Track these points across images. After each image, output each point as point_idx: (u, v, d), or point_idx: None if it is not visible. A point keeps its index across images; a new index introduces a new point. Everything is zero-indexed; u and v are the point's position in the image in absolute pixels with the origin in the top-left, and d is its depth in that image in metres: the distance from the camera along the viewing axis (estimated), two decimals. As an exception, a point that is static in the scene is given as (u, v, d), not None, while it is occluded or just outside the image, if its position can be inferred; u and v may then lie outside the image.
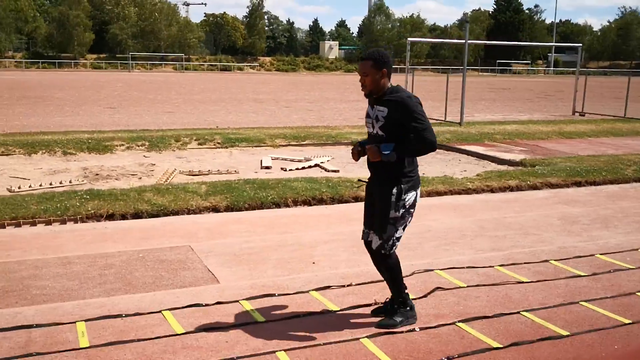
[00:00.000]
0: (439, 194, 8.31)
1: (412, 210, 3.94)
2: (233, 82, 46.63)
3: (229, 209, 7.29)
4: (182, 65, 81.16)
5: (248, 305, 4.37)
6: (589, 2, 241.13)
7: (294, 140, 12.96)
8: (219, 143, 12.24)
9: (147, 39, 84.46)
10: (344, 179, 8.55)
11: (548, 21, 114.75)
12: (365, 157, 3.97)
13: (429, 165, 10.69)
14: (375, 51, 3.91)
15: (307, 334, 3.92)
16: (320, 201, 7.70)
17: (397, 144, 3.76)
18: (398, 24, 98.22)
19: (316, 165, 10.44)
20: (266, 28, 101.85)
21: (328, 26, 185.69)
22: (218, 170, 9.80)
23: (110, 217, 6.85)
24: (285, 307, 4.36)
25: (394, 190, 3.83)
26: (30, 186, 8.28)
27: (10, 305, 4.36)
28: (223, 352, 3.67)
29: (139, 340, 3.80)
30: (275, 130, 14.16)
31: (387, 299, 4.21)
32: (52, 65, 77.22)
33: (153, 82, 42.12)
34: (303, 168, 10.17)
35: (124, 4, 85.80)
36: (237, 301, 4.45)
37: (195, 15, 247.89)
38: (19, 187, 8.18)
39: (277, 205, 7.49)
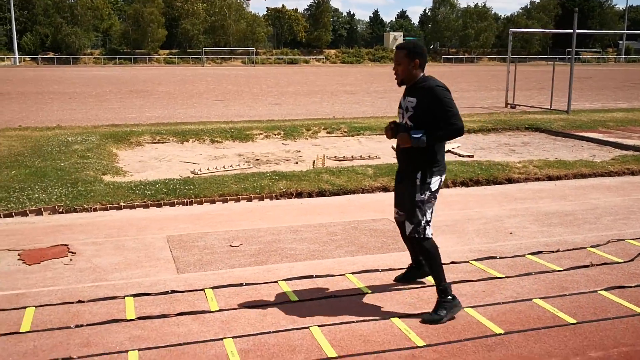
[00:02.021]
0: (583, 176, 8.83)
1: (437, 194, 4.08)
2: (309, 75, 47.63)
3: (397, 189, 8.04)
4: (250, 59, 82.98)
5: (479, 265, 5.09)
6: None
7: (412, 128, 13.61)
8: (345, 131, 13.05)
9: (217, 34, 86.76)
10: (492, 162, 9.19)
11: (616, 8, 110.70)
12: (396, 143, 4.15)
13: (555, 151, 11.17)
14: (410, 42, 4.20)
15: (543, 288, 4.61)
16: (477, 182, 8.36)
17: (426, 130, 3.92)
18: (461, 13, 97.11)
19: (448, 151, 11.07)
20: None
21: (388, 17, 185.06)
22: (360, 155, 10.58)
23: (299, 195, 7.73)
24: (511, 267, 5.05)
25: (419, 175, 4.00)
26: (208, 169, 9.29)
27: (278, 261, 5.24)
28: (486, 298, 4.40)
29: (410, 288, 4.59)
30: (391, 119, 14.85)
31: (410, 265, 4.64)
32: (127, 61, 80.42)
33: (237, 76, 43.68)
34: (438, 154, 10.82)
35: (193, 1, 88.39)
36: (468, 261, 5.18)
37: (255, 9, 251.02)
38: (200, 170, 9.19)
39: (439, 186, 8.19)
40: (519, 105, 18.81)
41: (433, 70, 56.41)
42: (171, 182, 7.79)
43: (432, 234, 4.11)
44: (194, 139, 12.01)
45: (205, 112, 17.77)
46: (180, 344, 3.70)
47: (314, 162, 10.04)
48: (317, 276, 4.84)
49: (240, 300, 4.38)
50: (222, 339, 3.77)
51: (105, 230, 6.11)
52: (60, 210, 6.89)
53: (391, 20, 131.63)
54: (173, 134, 12.13)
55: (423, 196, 4.01)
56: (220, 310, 4.21)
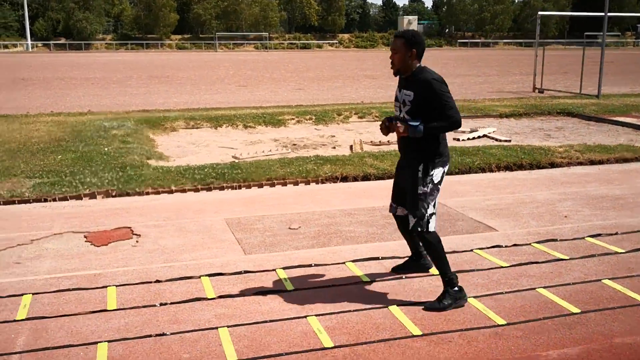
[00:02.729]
0: (626, 160, 8.83)
1: (439, 186, 4.02)
2: (325, 59, 47.44)
3: (440, 173, 8.09)
4: (263, 44, 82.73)
5: (541, 247, 5.15)
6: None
7: (443, 113, 13.60)
8: (376, 116, 13.06)
9: (229, 19, 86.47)
10: (534, 146, 9.21)
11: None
12: (396, 135, 4.04)
13: (591, 136, 11.14)
14: (408, 31, 4.06)
15: (609, 269, 4.66)
16: (520, 167, 8.38)
17: (424, 120, 3.86)
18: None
19: (484, 135, 11.08)
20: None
21: (401, 1, 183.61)
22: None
23: (344, 179, 7.80)
24: (572, 249, 5.10)
25: (421, 167, 3.94)
26: (248, 154, 9.37)
27: (340, 243, 5.32)
28: (555, 279, 4.47)
29: (470, 270, 4.65)
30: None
31: (408, 257, 4.59)
32: (139, 46, 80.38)
33: (253, 61, 43.62)
34: (473, 138, 10.84)
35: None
36: (529, 244, 5.24)
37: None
38: (241, 154, 9.28)
39: (482, 170, 8.23)
40: (547, 90, 18.71)
41: (449, 54, 56.04)
42: (218, 166, 7.89)
43: (435, 227, 4.03)
44: (227, 125, 12.08)
45: (232, 97, 17.83)
46: (266, 321, 3.80)
47: (351, 146, 10.09)
48: (383, 258, 4.91)
49: (312, 280, 4.48)
50: (305, 316, 3.87)
51: (163, 213, 6.22)
52: (114, 194, 7.01)
53: (404, 4, 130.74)
54: (206, 120, 12.21)
55: (425, 188, 3.96)
56: (296, 289, 4.30)
